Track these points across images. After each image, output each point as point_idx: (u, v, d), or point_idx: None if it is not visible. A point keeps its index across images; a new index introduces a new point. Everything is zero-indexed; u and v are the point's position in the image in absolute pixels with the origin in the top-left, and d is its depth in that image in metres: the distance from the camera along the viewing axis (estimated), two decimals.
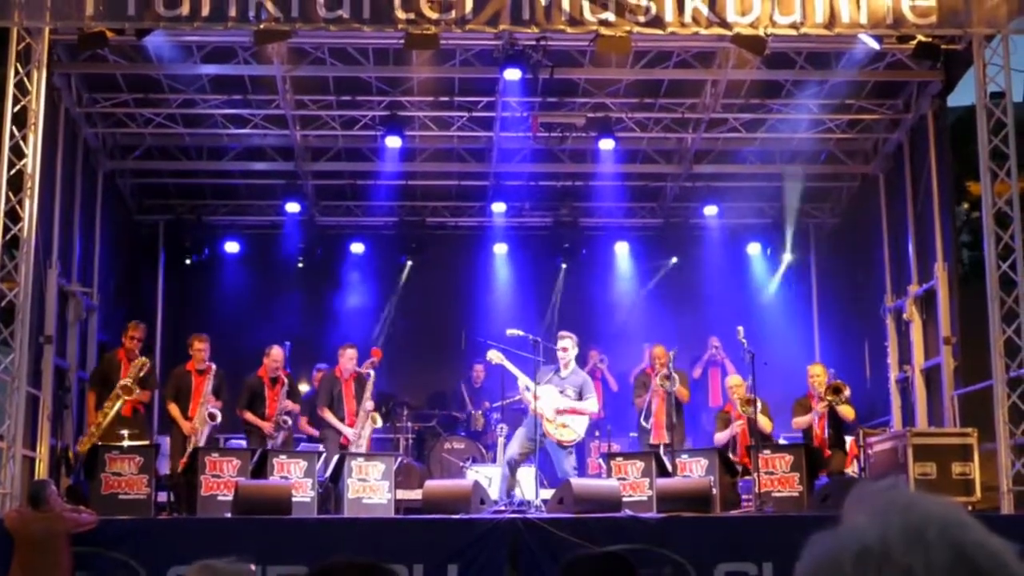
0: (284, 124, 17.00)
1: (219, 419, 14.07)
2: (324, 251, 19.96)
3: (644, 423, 14.87)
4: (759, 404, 13.88)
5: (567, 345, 13.33)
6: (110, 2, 12.57)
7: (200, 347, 14.35)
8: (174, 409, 14.04)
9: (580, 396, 13.22)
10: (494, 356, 13.48)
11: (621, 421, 16.69)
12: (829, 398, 14.08)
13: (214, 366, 14.32)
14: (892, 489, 1.47)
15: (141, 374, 14.01)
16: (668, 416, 14.45)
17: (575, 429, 13.15)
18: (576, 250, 20.20)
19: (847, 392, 14.21)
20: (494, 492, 13.34)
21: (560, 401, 13.04)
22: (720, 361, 17.30)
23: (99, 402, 13.99)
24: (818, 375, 14.49)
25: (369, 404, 14.62)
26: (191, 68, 15.43)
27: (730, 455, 14.06)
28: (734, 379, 14.94)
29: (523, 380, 13.30)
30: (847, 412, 14.21)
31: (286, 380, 14.65)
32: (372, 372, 14.88)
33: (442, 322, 19.91)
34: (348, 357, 14.78)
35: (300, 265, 19.98)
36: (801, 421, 14.38)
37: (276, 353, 14.67)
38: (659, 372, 14.65)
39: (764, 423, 14.17)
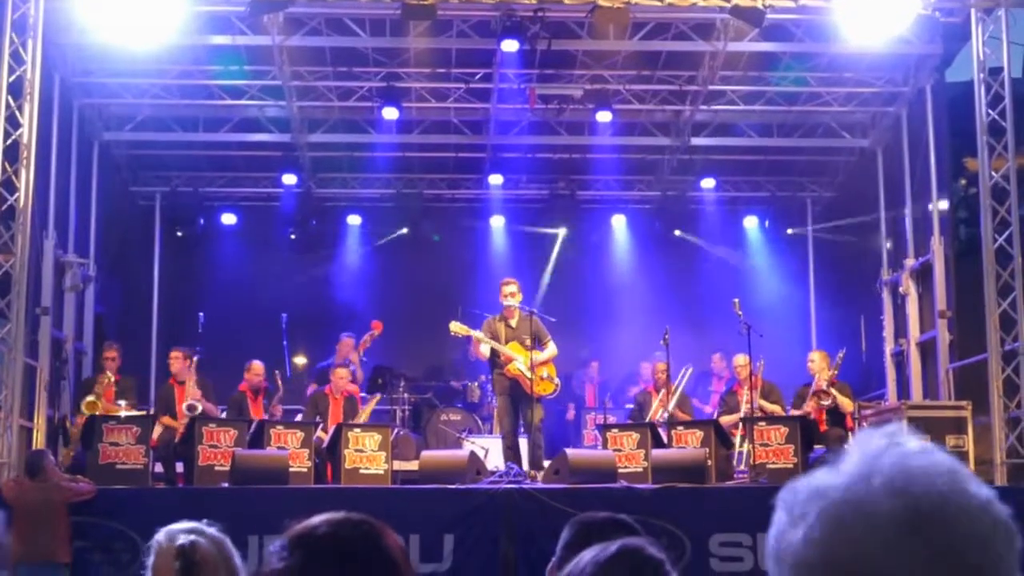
0: (280, 95, 16.94)
1: (199, 410, 13.66)
2: (320, 223, 19.93)
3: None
4: (762, 388, 14.01)
5: (514, 290, 13.34)
6: None
7: (175, 355, 14.35)
8: (167, 420, 13.83)
9: (537, 343, 13.24)
10: (457, 328, 13.46)
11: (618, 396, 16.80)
12: (822, 402, 14.07)
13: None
14: (889, 435, 1.47)
15: (115, 388, 13.85)
16: None
17: (553, 380, 13.19)
18: (573, 222, 20.21)
19: (829, 401, 14.12)
20: (490, 463, 13.37)
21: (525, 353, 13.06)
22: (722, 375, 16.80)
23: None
24: (814, 361, 14.49)
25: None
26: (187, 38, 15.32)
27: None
28: (741, 357, 14.47)
29: (476, 335, 13.34)
30: (846, 404, 14.14)
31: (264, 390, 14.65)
32: (367, 396, 14.87)
33: (439, 294, 19.90)
34: (339, 376, 14.58)
35: (293, 237, 19.95)
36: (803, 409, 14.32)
37: (256, 367, 14.61)
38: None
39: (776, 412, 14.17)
